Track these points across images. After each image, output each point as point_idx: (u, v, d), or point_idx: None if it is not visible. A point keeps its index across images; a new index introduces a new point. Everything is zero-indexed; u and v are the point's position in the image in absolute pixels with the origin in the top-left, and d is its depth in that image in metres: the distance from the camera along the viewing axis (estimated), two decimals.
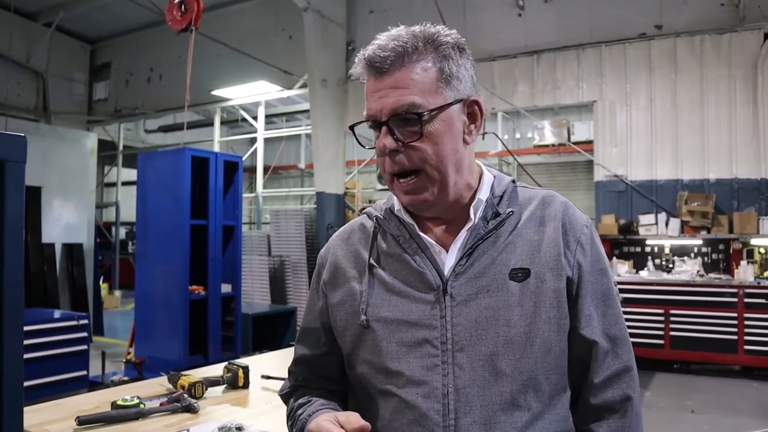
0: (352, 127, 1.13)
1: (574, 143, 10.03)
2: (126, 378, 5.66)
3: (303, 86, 10.12)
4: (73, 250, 9.22)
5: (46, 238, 8.79)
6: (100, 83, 13.21)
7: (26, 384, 4.84)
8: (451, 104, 1.07)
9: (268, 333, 7.08)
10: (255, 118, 11.78)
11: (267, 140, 12.31)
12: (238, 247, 6.36)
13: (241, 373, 2.24)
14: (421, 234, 1.13)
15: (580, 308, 1.10)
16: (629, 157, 7.81)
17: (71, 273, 9.18)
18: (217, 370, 2.46)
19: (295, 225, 9.81)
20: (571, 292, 1.10)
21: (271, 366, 2.61)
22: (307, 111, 11.33)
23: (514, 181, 1.18)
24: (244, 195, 8.89)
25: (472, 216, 1.11)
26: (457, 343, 1.05)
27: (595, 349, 1.11)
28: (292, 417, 1.22)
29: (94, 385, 5.41)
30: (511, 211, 1.12)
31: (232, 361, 2.35)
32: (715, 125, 7.27)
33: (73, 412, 1.86)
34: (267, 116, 12.20)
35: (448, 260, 1.11)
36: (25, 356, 4.83)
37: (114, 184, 14.66)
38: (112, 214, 14.73)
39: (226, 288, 6.17)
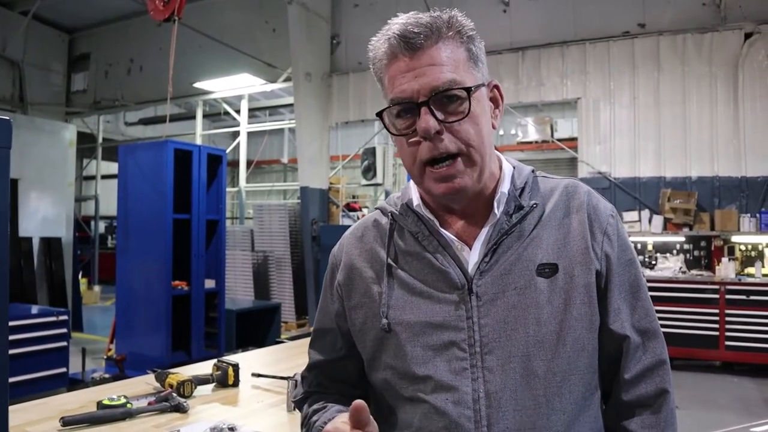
0: (379, 114, 1.05)
1: (558, 140, 10.06)
2: (107, 375, 5.56)
3: (287, 80, 10.03)
4: (51, 245, 9.06)
5: (23, 232, 8.62)
6: (78, 74, 12.99)
7: None
8: (483, 85, 1.03)
9: (252, 329, 7.02)
10: (238, 111, 11.67)
11: (250, 134, 12.20)
12: (222, 242, 6.28)
13: (231, 371, 2.19)
14: (442, 230, 1.06)
15: (609, 302, 1.06)
16: (613, 154, 7.85)
17: (49, 268, 9.02)
18: (203, 367, 2.41)
19: (279, 220, 9.74)
20: (600, 286, 1.05)
21: (259, 363, 2.57)
22: (290, 105, 11.25)
23: (533, 171, 1.12)
24: (227, 189, 8.82)
25: (495, 210, 1.05)
26: (485, 345, 1.00)
27: (625, 343, 1.06)
28: (306, 424, 1.17)
29: (74, 382, 5.31)
30: (535, 204, 1.05)
31: (221, 359, 2.30)
32: (696, 123, 7.33)
33: (56, 412, 1.80)
34: (250, 110, 12.08)
35: (472, 257, 1.04)
36: None
37: (93, 178, 14.45)
38: (91, 208, 14.53)
39: (209, 283, 6.09)
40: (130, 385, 2.24)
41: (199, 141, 11.59)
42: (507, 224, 1.04)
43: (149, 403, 1.89)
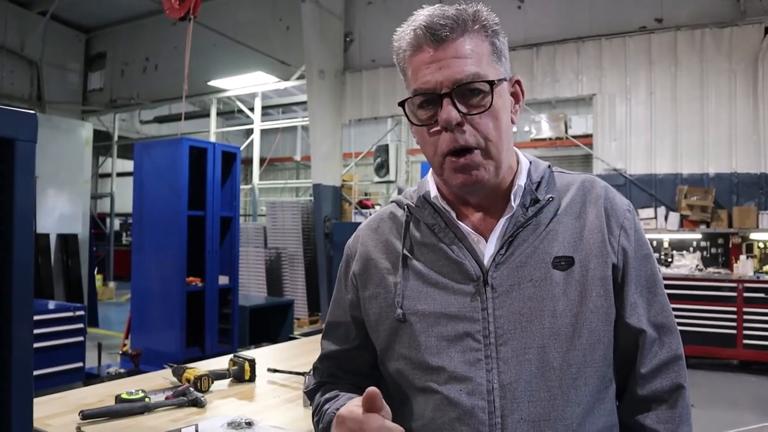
0: (402, 104, 1.06)
1: (572, 137, 9.99)
2: (123, 370, 5.61)
3: (300, 77, 10.04)
4: (67, 241, 9.13)
5: (40, 229, 8.70)
6: (95, 73, 13.09)
7: None
8: (505, 79, 1.04)
9: (265, 326, 7.04)
10: (251, 109, 11.69)
11: (263, 132, 12.22)
12: (236, 239, 6.31)
13: (247, 366, 2.19)
14: (458, 222, 1.08)
15: (625, 296, 1.06)
16: (628, 150, 7.77)
17: (66, 264, 9.10)
18: (218, 363, 2.42)
19: (292, 217, 9.76)
20: (617, 280, 1.05)
21: (273, 359, 2.57)
22: (303, 103, 11.26)
23: (550, 166, 1.13)
24: (240, 187, 8.85)
25: (512, 202, 1.06)
26: (500, 336, 1.00)
27: (641, 338, 1.06)
28: (318, 412, 1.17)
29: (90, 377, 5.35)
30: (551, 197, 1.06)
31: (237, 354, 2.31)
32: (714, 119, 7.23)
33: (75, 406, 1.81)
34: (263, 108, 12.12)
35: (488, 249, 1.05)
36: None
37: (109, 175, 14.55)
38: (106, 205, 14.63)
39: (223, 280, 6.12)
40: (147, 379, 2.25)
41: (213, 139, 11.65)
42: (523, 217, 1.04)
43: (167, 398, 1.89)
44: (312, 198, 9.85)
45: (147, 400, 1.81)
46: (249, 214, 12.75)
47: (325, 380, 1.24)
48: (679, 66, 7.43)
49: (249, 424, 1.68)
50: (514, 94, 1.09)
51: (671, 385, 1.06)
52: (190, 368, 2.13)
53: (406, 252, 1.10)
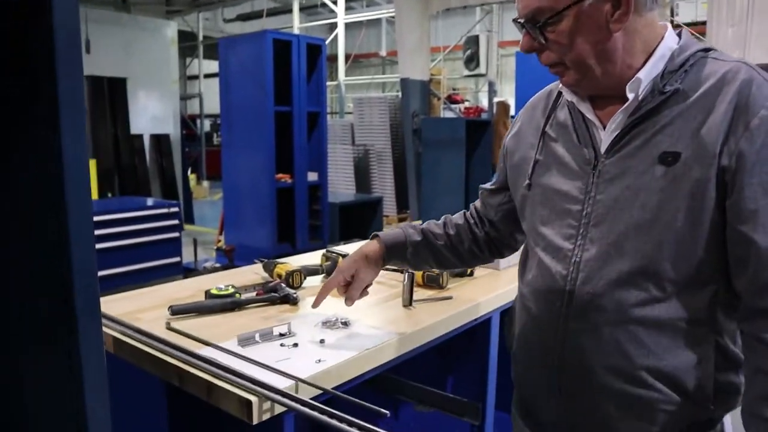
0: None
1: (678, 25, 9.06)
2: (218, 265, 5.77)
3: None
4: (160, 141, 9.34)
5: (134, 130, 8.91)
6: None
7: (123, 270, 4.98)
8: (579, 1, 1.02)
9: (354, 223, 7.03)
10: (334, 2, 11.28)
11: (347, 27, 11.84)
12: (324, 134, 6.21)
13: (340, 260, 2.05)
14: (584, 110, 1.14)
15: (739, 202, 0.99)
16: (748, 37, 6.92)
17: (160, 164, 9.35)
18: (310, 258, 2.29)
19: (379, 113, 9.54)
20: (727, 183, 1.00)
21: None
22: None
23: (707, 50, 1.07)
24: (327, 83, 8.65)
25: (628, 95, 1.06)
26: (594, 219, 1.10)
27: (754, 248, 0.99)
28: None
29: (188, 271, 5.53)
30: (676, 89, 1.04)
31: (330, 249, 2.17)
32: None
33: (166, 300, 1.73)
34: (347, 0, 11.66)
35: (605, 138, 1.11)
36: (122, 243, 4.95)
37: (196, 77, 14.68)
38: (195, 106, 14.86)
39: (312, 176, 6.09)
40: (239, 274, 2.16)
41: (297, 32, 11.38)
42: (640, 110, 1.06)
43: (257, 294, 1.78)
44: (399, 93, 9.54)
45: (237, 295, 1.71)
46: (336, 112, 12.64)
47: (470, 212, 1.49)
48: None
49: (345, 323, 1.55)
50: (613, 2, 1.03)
51: None
52: (282, 263, 2.01)
53: (547, 130, 1.22)
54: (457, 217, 1.48)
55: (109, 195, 8.44)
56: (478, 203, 1.48)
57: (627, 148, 1.07)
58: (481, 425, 2.04)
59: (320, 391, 1.24)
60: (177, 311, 1.59)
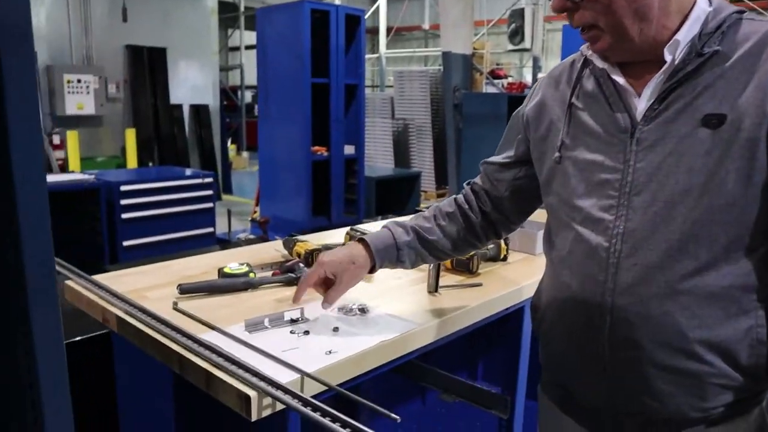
0: None
1: None
2: (252, 236, 5.74)
3: None
4: (199, 112, 9.33)
5: (173, 99, 8.91)
6: None
7: (157, 239, 4.97)
8: None
9: (392, 198, 6.92)
10: None
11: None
12: (361, 107, 6.10)
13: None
14: (615, 77, 1.09)
15: None
16: None
17: (199, 134, 9.36)
18: (338, 235, 2.18)
19: (420, 87, 9.35)
20: None
21: None
22: None
23: (741, 12, 1.03)
24: (367, 56, 8.45)
25: (666, 57, 1.03)
26: (635, 187, 1.05)
27: None
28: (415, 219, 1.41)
29: (221, 242, 5.50)
30: (716, 51, 1.00)
31: (354, 227, 2.05)
32: None
33: (177, 278, 1.64)
34: None
35: (640, 104, 1.07)
36: (156, 212, 4.93)
37: (238, 48, 14.63)
38: (237, 78, 14.83)
39: (349, 149, 6.00)
40: (258, 251, 2.06)
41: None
42: (679, 72, 1.02)
43: (273, 274, 1.68)
44: (441, 67, 9.32)
45: (252, 275, 1.60)
46: (376, 85, 12.46)
47: (469, 192, 1.40)
48: None
49: (363, 310, 1.43)
50: None
51: None
52: (302, 241, 1.90)
53: (574, 100, 1.17)
54: (447, 205, 1.40)
55: (150, 164, 8.49)
56: (479, 181, 1.40)
57: (666, 113, 1.03)
58: (509, 419, 1.91)
59: (326, 387, 1.12)
60: (186, 290, 1.50)
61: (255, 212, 6.56)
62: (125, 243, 4.77)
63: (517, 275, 1.84)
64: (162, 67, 8.74)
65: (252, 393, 1.04)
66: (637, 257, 1.04)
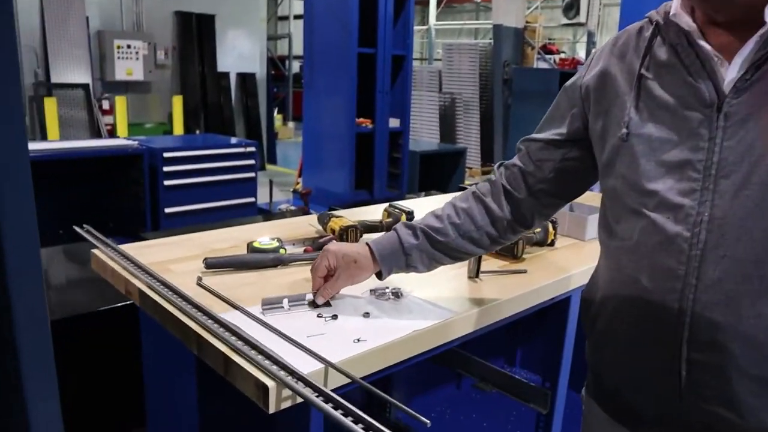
0: None
1: None
2: (293, 208, 5.69)
3: None
4: (246, 80, 9.30)
5: (220, 68, 8.90)
6: None
7: (200, 206, 4.96)
8: None
9: (436, 173, 6.78)
10: None
11: None
12: (408, 80, 5.95)
13: (403, 218, 1.83)
14: (701, 42, 0.95)
15: None
16: None
17: (245, 103, 9.34)
18: (377, 211, 2.08)
19: (469, 61, 9.13)
20: None
21: None
22: None
23: None
24: (416, 28, 8.26)
25: (766, 17, 0.86)
26: (722, 169, 0.91)
27: None
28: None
29: (263, 212, 5.48)
30: None
31: (393, 204, 1.95)
32: None
33: (204, 251, 1.57)
34: None
35: (730, 73, 0.92)
36: (198, 180, 4.92)
37: (287, 17, 14.56)
38: (285, 47, 14.78)
39: (394, 123, 5.87)
40: (292, 225, 1.98)
41: None
42: None
43: (305, 250, 1.59)
44: (491, 41, 9.07)
45: (282, 251, 1.52)
46: (424, 58, 12.26)
47: (505, 173, 1.25)
48: None
49: (396, 294, 1.33)
50: None
51: None
52: (337, 217, 1.81)
53: (643, 71, 1.03)
54: (462, 200, 1.27)
55: (197, 132, 8.53)
56: (518, 162, 1.23)
57: (762, 84, 0.89)
58: (549, 414, 1.81)
59: (350, 380, 1.03)
60: (212, 264, 1.43)
61: (297, 183, 6.51)
62: (167, 210, 4.77)
63: (566, 262, 1.71)
64: (210, 34, 8.71)
65: (270, 383, 0.96)
66: (727, 248, 0.91)
